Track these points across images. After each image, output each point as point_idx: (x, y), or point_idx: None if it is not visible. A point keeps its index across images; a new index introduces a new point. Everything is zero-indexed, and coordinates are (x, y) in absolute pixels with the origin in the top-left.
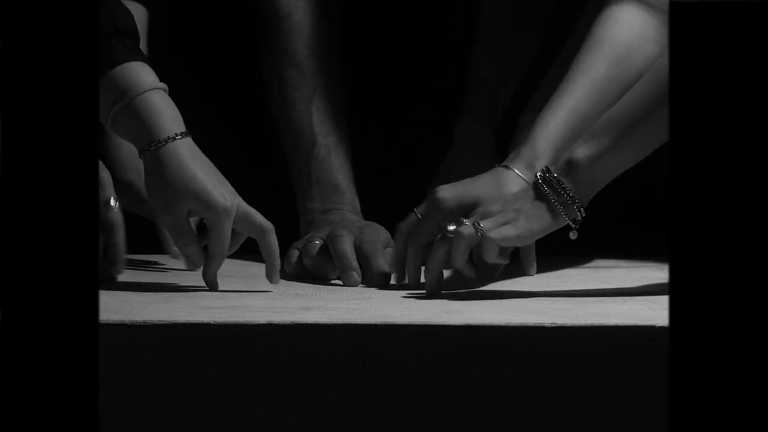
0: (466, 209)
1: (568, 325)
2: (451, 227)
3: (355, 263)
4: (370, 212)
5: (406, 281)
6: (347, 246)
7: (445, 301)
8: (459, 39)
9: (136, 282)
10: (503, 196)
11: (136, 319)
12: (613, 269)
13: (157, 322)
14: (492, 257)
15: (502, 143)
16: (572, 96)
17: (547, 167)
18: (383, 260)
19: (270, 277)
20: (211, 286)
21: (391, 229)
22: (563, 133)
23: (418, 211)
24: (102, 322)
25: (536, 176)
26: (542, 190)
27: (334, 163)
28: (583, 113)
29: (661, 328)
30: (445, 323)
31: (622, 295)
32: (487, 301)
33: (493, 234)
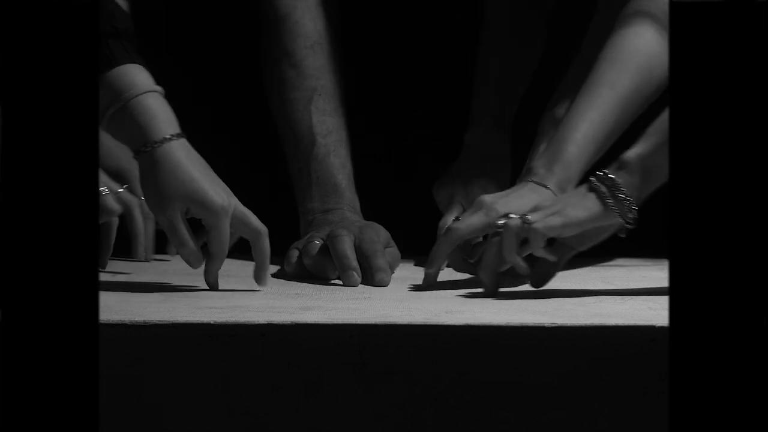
0: None
1: (568, 325)
2: (501, 221)
3: (355, 263)
4: (370, 212)
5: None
6: (347, 246)
7: (445, 301)
8: (459, 39)
9: (136, 282)
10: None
11: (136, 319)
12: (613, 269)
13: (157, 322)
14: (538, 248)
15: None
16: (599, 110)
17: (600, 168)
18: (383, 260)
19: (259, 277)
20: (213, 286)
21: (391, 229)
22: (590, 150)
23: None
24: (102, 322)
25: (589, 178)
26: (593, 185)
27: (334, 163)
28: (610, 126)
29: (661, 328)
30: (445, 323)
31: (622, 295)
32: (487, 301)
33: (538, 224)
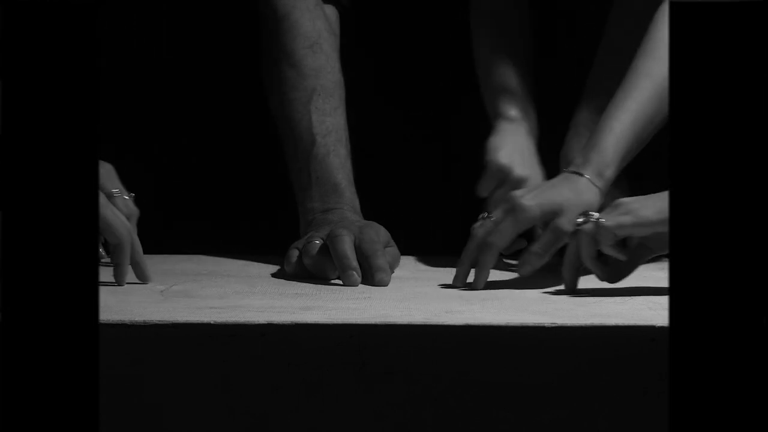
0: (550, 216)
1: (568, 325)
2: (580, 219)
3: (355, 263)
4: (370, 212)
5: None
6: (347, 246)
7: (445, 301)
8: (459, 39)
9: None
10: (583, 203)
11: (136, 319)
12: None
13: (157, 322)
14: (606, 246)
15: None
16: (636, 100)
17: None
18: (383, 260)
19: (140, 275)
20: (121, 280)
21: (391, 229)
22: (629, 138)
23: (495, 217)
24: (102, 322)
25: None
26: None
27: (334, 163)
28: (648, 117)
29: (661, 328)
30: (445, 323)
31: (622, 295)
32: (488, 301)
33: (609, 222)
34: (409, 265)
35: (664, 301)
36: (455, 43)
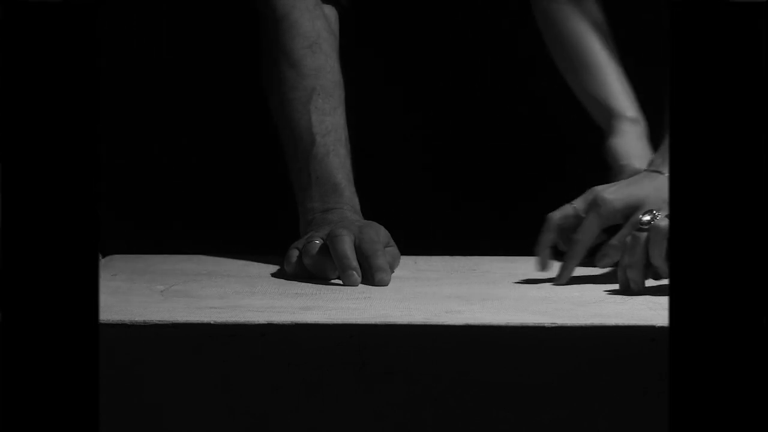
0: (631, 210)
1: (568, 325)
2: (646, 218)
3: (355, 263)
4: (370, 212)
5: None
6: (347, 246)
7: (445, 301)
8: (459, 39)
9: (137, 282)
10: (663, 200)
11: (136, 319)
12: (613, 269)
13: (157, 322)
14: None
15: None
16: None
17: None
18: (383, 260)
19: None
20: None
21: (391, 229)
22: None
23: (578, 208)
24: (102, 322)
25: None
26: None
27: (333, 162)
28: None
29: (661, 328)
30: (445, 323)
31: (622, 295)
32: (488, 301)
33: None
34: (409, 265)
35: (664, 301)
36: (455, 43)
